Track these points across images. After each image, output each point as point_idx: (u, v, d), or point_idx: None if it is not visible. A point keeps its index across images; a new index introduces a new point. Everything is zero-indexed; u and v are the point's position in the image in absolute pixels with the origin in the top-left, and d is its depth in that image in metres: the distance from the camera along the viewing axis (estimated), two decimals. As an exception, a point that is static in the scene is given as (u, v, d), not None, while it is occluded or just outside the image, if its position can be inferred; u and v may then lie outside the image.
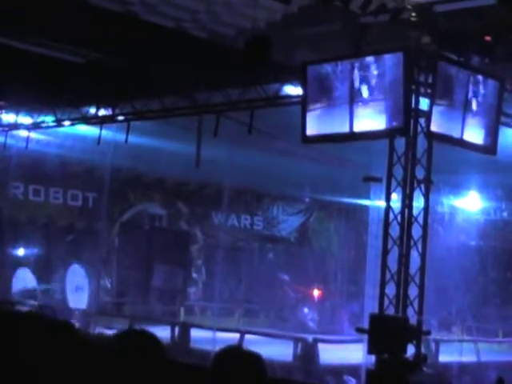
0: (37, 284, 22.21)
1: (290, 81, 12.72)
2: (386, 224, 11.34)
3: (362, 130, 11.22)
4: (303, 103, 11.75)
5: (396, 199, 11.40)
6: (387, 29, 11.10)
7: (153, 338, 4.02)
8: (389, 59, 10.83)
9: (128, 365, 3.62)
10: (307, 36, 12.21)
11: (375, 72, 10.95)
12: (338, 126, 11.43)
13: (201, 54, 12.38)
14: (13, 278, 21.95)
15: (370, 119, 11.07)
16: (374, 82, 10.99)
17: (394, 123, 10.84)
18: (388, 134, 11.12)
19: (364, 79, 11.09)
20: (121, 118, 15.74)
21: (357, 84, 11.15)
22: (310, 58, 11.75)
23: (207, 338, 17.47)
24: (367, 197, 17.91)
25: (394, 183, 11.23)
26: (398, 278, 11.14)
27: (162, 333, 18.89)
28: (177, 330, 19.23)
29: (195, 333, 18.96)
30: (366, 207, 19.28)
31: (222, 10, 11.66)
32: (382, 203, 12.32)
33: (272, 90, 13.08)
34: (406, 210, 11.15)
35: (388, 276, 11.27)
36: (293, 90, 12.73)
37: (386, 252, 11.33)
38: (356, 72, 11.16)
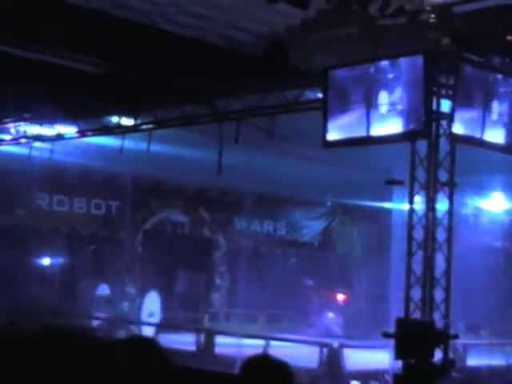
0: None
1: (309, 86, 12.70)
2: (410, 227, 11.28)
3: (378, 134, 11.20)
4: (324, 108, 11.74)
5: (419, 202, 11.35)
6: (406, 31, 11.05)
7: (154, 344, 3.98)
8: (404, 62, 10.81)
9: (129, 371, 3.60)
10: (325, 40, 12.19)
11: (390, 75, 10.94)
12: (356, 130, 11.42)
13: (220, 62, 12.39)
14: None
15: (387, 123, 11.04)
16: (389, 85, 10.97)
17: (411, 126, 10.81)
18: (405, 137, 11.07)
19: (380, 83, 11.08)
20: (143, 127, 15.79)
21: (373, 88, 11.14)
22: (329, 63, 11.74)
23: (232, 345, 17.46)
24: (390, 200, 17.86)
25: (416, 186, 11.18)
26: (423, 282, 11.07)
27: (187, 340, 18.97)
28: (201, 337, 19.24)
29: (220, 339, 18.95)
30: (388, 210, 19.23)
31: (239, 16, 11.65)
32: (405, 206, 12.27)
33: (292, 96, 13.06)
34: (430, 213, 11.09)
35: (413, 279, 11.21)
36: (312, 94, 12.71)
37: (410, 255, 11.27)
38: (372, 76, 11.15)
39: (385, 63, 11.03)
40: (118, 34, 11.37)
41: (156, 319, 22.47)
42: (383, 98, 11.05)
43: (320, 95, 12.13)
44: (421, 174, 11.15)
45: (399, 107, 10.89)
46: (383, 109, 11.08)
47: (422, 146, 11.09)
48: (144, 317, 22.33)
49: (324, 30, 11.72)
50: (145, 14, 11.14)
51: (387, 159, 14.33)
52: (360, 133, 11.34)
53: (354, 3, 10.38)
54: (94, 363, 2.76)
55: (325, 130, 11.70)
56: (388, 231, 18.91)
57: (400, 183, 11.89)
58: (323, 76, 11.63)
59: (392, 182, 12.63)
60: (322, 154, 13.82)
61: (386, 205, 19.27)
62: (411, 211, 11.27)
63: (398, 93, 10.89)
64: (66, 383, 2.71)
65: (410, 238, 11.28)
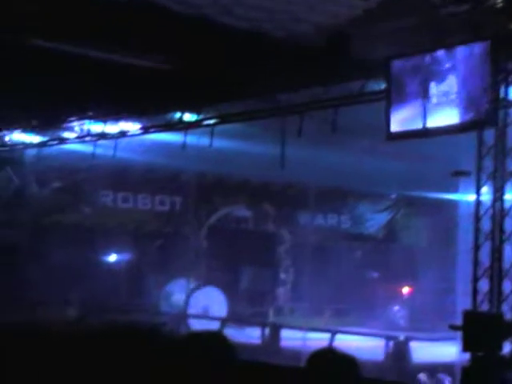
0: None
1: (371, 77, 12.60)
2: (477, 218, 11.13)
3: (435, 126, 11.06)
4: (387, 99, 11.64)
5: (486, 192, 11.18)
6: (470, 17, 10.88)
7: (223, 339, 3.99)
8: (461, 51, 10.66)
9: (198, 366, 3.61)
10: (387, 30, 12.08)
11: (446, 65, 10.80)
12: (413, 122, 11.31)
13: (281, 55, 12.36)
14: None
15: (442, 114, 10.90)
16: (444, 75, 10.83)
17: (469, 116, 10.65)
18: (464, 127, 10.90)
19: (435, 73, 10.94)
20: (205, 122, 15.84)
21: (428, 78, 11.02)
22: (391, 53, 11.64)
23: (297, 339, 17.47)
24: (455, 191, 17.64)
25: (484, 176, 11.01)
26: (490, 274, 10.92)
27: (253, 334, 19.03)
28: (267, 330, 19.29)
29: (285, 333, 18.98)
30: (454, 202, 19.00)
31: (301, 8, 11.60)
32: (471, 197, 12.11)
33: (355, 88, 12.97)
34: (497, 204, 10.92)
35: (480, 271, 11.06)
36: (376, 86, 12.60)
37: (477, 247, 11.12)
38: (428, 66, 11.03)
39: (441, 53, 10.89)
40: (180, 29, 11.43)
41: (211, 314, 22.47)
42: (438, 88, 10.91)
43: (383, 86, 12.02)
44: (488, 164, 10.98)
45: (454, 97, 10.74)
46: (438, 100, 10.94)
47: (488, 135, 10.91)
48: (194, 311, 22.29)
49: (386, 19, 11.62)
50: (205, 9, 11.17)
51: (453, 150, 14.14)
52: (417, 125, 11.24)
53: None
54: (162, 358, 2.78)
55: (388, 123, 11.61)
56: (454, 223, 18.67)
57: (466, 174, 11.73)
58: (385, 66, 11.54)
59: (458, 173, 12.48)
60: (386, 146, 13.72)
61: (452, 196, 19.02)
62: (478, 202, 11.11)
63: (453, 83, 10.74)
64: (132, 378, 2.74)
65: (477, 229, 11.13)
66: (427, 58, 11.04)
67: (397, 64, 11.42)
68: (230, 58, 12.54)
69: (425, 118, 11.06)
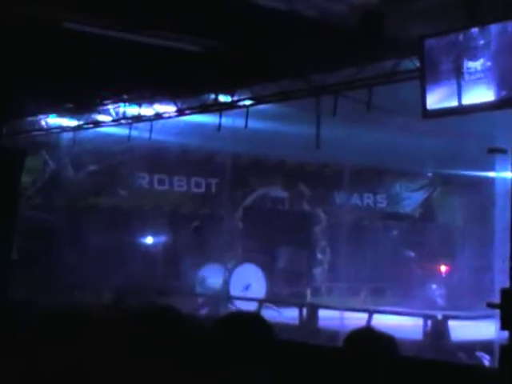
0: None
1: (406, 55, 12.53)
2: (514, 196, 11.08)
3: (470, 103, 10.98)
4: (422, 78, 11.58)
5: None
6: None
7: (260, 319, 4.02)
8: (495, 28, 10.56)
9: (235, 346, 3.64)
10: (422, 8, 12.00)
11: (480, 42, 10.71)
12: (448, 100, 11.24)
13: (314, 34, 12.31)
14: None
15: (478, 91, 10.82)
16: (478, 53, 10.75)
17: (504, 93, 10.56)
18: (500, 104, 10.82)
19: (469, 50, 10.86)
20: (239, 103, 15.86)
21: (462, 56, 10.94)
22: (425, 31, 11.57)
23: (335, 318, 17.50)
24: (492, 169, 17.52)
25: (520, 153, 10.95)
26: (529, 251, 10.85)
27: (290, 314, 19.11)
28: (304, 311, 19.36)
29: (323, 313, 19.03)
30: (491, 179, 18.86)
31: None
32: (508, 175, 12.04)
33: (389, 66, 12.91)
34: (535, 181, 10.86)
35: (518, 249, 11.00)
36: (411, 64, 12.54)
37: (514, 224, 11.07)
38: (461, 43, 10.95)
39: (474, 30, 10.81)
40: (212, 10, 11.42)
41: (254, 292, 22.55)
42: (472, 65, 10.84)
43: (418, 64, 11.96)
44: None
45: (489, 75, 10.66)
46: (473, 77, 10.87)
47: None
48: (236, 291, 22.35)
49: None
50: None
51: (489, 127, 14.05)
52: (452, 103, 11.18)
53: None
54: (199, 339, 2.80)
55: (423, 100, 11.56)
56: (491, 201, 18.56)
57: (503, 151, 11.65)
58: (419, 45, 11.49)
59: (494, 151, 12.39)
60: (421, 124, 13.65)
61: (489, 174, 18.89)
62: (515, 179, 11.07)
63: (487, 60, 10.66)
64: (170, 359, 2.76)
65: (514, 206, 11.08)
66: (461, 36, 10.96)
67: (430, 42, 11.36)
68: (263, 38, 12.51)
69: (460, 95, 11.00)
